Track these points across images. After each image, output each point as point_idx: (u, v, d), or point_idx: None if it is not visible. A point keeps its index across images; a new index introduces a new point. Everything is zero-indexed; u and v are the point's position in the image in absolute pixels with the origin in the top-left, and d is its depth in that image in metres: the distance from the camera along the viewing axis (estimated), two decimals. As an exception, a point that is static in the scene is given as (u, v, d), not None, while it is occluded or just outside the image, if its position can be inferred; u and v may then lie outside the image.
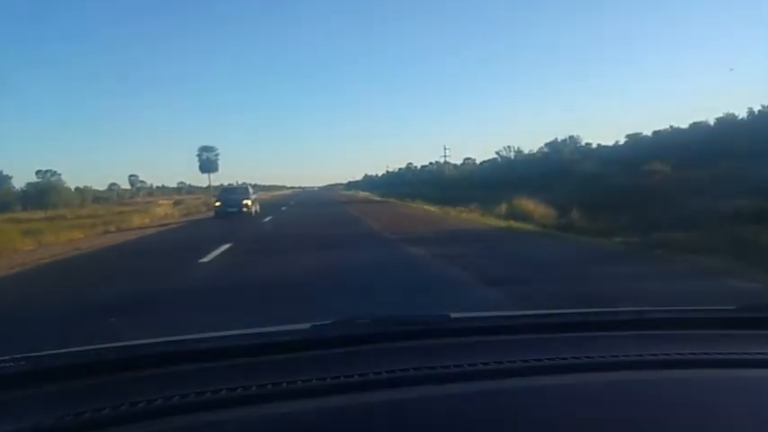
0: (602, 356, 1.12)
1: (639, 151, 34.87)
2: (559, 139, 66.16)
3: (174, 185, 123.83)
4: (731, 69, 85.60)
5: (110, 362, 1.16)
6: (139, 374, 1.11)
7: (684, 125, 44.08)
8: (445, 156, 78.21)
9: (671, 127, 45.17)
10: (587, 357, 1.11)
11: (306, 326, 1.31)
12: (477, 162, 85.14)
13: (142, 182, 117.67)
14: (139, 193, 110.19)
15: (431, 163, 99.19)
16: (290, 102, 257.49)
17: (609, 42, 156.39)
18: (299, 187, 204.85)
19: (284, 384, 1.00)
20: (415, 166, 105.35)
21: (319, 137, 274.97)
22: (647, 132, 48.16)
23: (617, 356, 1.12)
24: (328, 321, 1.32)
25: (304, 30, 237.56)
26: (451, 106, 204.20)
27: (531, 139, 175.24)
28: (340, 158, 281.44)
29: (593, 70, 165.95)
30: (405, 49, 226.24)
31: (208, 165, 59.37)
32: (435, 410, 0.93)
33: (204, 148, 59.75)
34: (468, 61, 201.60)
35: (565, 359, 1.10)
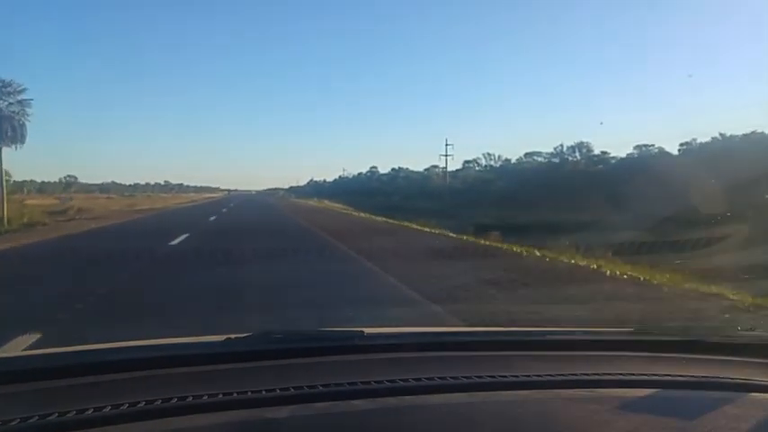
0: (516, 376, 1.16)
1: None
2: (566, 147, 52.98)
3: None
4: (690, 75, 77.96)
5: (20, 372, 1.14)
6: (52, 385, 1.09)
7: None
8: (446, 155, 56.80)
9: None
10: (490, 377, 1.14)
11: (220, 338, 1.28)
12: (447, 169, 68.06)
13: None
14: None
15: (394, 168, 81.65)
16: (226, 103, 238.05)
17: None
18: (234, 190, 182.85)
19: (190, 398, 0.99)
20: (378, 171, 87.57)
21: (258, 138, 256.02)
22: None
23: (530, 376, 1.15)
24: (243, 335, 1.29)
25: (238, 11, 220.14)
26: (417, 109, 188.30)
27: (499, 148, 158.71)
28: (280, 162, 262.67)
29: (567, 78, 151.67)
30: (360, 43, 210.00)
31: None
32: (338, 426, 0.93)
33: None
34: (436, 62, 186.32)
35: (469, 378, 1.13)
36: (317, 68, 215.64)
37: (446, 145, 60.99)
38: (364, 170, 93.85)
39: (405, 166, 79.54)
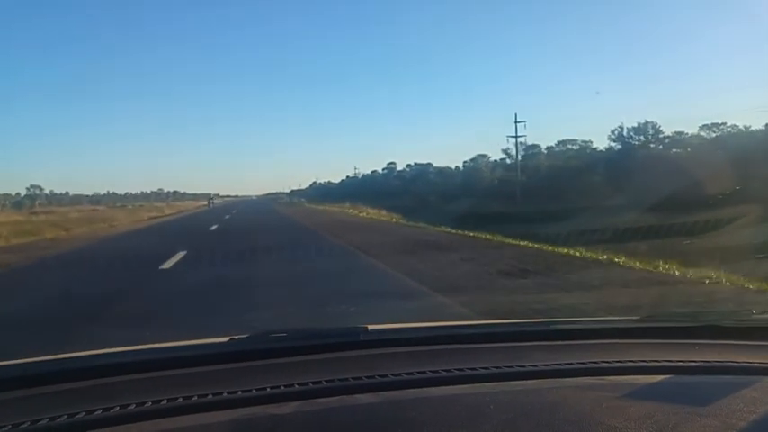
0: (522, 366, 1.14)
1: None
2: (626, 129, 45.38)
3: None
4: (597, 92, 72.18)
5: (26, 377, 1.14)
6: (59, 389, 1.10)
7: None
8: (517, 137, 44.53)
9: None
10: (495, 368, 1.13)
11: (223, 339, 1.30)
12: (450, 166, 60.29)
13: None
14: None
15: (410, 165, 74.08)
16: (220, 106, 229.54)
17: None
18: (235, 196, 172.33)
19: (195, 398, 1.00)
20: (396, 167, 79.97)
21: (255, 140, 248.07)
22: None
23: (536, 366, 1.14)
24: (246, 335, 1.31)
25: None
26: (433, 100, 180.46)
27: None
28: (280, 164, 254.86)
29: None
30: (367, 29, 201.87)
31: None
32: (342, 421, 0.93)
33: None
34: (449, 48, 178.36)
35: (474, 369, 1.12)
36: (318, 63, 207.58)
37: (516, 123, 44.29)
38: (377, 168, 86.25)
39: (424, 162, 72.03)
